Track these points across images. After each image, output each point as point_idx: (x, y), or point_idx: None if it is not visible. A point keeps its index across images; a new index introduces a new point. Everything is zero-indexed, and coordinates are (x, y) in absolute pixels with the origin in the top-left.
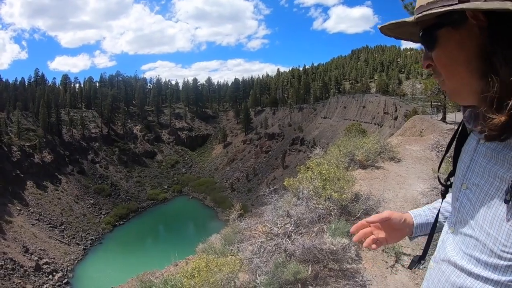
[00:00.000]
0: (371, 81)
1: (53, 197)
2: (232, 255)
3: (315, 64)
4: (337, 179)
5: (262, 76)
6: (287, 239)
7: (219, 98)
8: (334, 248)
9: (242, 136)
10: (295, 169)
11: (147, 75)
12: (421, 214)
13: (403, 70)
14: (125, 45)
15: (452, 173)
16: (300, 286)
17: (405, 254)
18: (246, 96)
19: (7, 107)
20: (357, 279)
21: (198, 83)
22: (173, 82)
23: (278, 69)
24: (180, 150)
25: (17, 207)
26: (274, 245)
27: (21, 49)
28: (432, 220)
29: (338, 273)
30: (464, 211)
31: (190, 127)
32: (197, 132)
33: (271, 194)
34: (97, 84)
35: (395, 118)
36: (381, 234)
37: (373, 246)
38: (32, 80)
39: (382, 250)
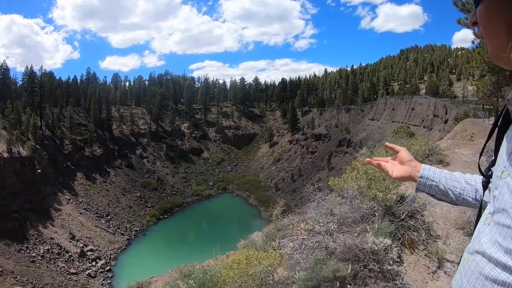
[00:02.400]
0: (420, 82)
1: (101, 188)
2: (273, 250)
3: (363, 64)
4: (383, 179)
5: (310, 76)
6: (329, 237)
7: (266, 97)
8: (376, 248)
9: (289, 136)
10: (341, 171)
11: (195, 74)
12: (432, 171)
13: (454, 71)
14: (173, 45)
15: (493, 162)
16: (338, 284)
17: (448, 261)
18: (293, 96)
19: (60, 103)
20: (397, 282)
21: (246, 83)
22: (221, 81)
23: (326, 69)
24: (226, 148)
25: (67, 197)
26: (315, 242)
27: (73, 49)
28: (444, 186)
29: (378, 274)
30: (503, 200)
31: (237, 126)
32: (244, 131)
33: (315, 191)
34: (147, 83)
35: (445, 121)
36: (388, 166)
37: (374, 162)
38: (84, 78)
39: (425, 255)
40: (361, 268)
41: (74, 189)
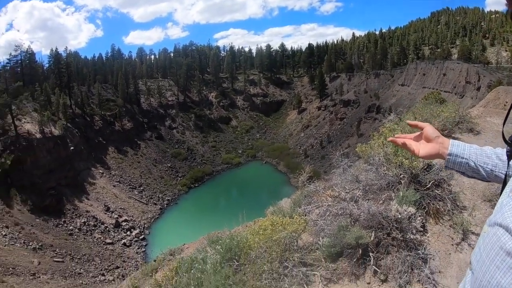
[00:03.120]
0: (452, 47)
1: (133, 161)
2: (298, 216)
3: (392, 28)
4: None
5: (337, 40)
6: (354, 204)
7: (293, 64)
8: (400, 216)
9: (317, 103)
10: (370, 137)
11: (220, 43)
12: (461, 147)
13: (487, 35)
14: (196, 15)
15: None
16: (361, 251)
17: (473, 233)
18: (321, 62)
19: (88, 81)
20: (419, 252)
21: (272, 49)
22: (246, 49)
23: (353, 33)
24: (254, 116)
25: (100, 171)
26: (340, 209)
27: (96, 28)
28: (475, 162)
29: (400, 242)
30: None
31: (265, 93)
32: (272, 98)
33: (341, 158)
34: (172, 55)
35: (478, 89)
36: (414, 144)
37: (399, 140)
38: (109, 55)
39: (450, 226)
40: (384, 236)
41: (107, 163)
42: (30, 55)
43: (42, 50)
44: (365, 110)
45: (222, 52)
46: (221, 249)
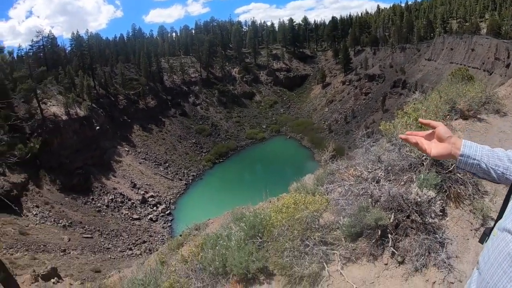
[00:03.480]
0: (481, 21)
1: (158, 138)
2: (320, 195)
3: (419, 0)
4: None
5: (361, 13)
6: (375, 184)
7: (317, 37)
8: (419, 200)
9: (341, 77)
10: (395, 114)
11: (242, 18)
12: (473, 148)
13: None
14: None
15: None
16: (380, 232)
17: (493, 219)
18: (345, 35)
19: (110, 62)
20: (437, 236)
21: (294, 23)
22: (269, 24)
23: (378, 5)
24: (278, 91)
25: (126, 149)
26: (361, 189)
27: (115, 9)
28: (486, 164)
29: (419, 225)
30: None
31: (288, 68)
32: (295, 72)
33: (363, 137)
34: (193, 31)
35: (507, 66)
36: (426, 143)
37: (411, 138)
38: (130, 35)
39: (470, 211)
40: (404, 219)
41: (132, 141)
42: (51, 40)
43: (63, 34)
44: (390, 85)
45: (244, 27)
46: (245, 227)
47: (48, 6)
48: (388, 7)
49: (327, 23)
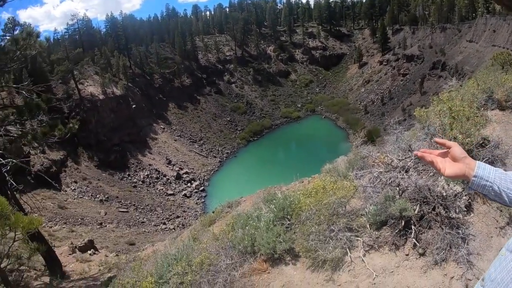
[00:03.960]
0: None
1: (193, 115)
2: (350, 181)
3: None
4: (466, 118)
5: None
6: (404, 174)
7: (354, 15)
8: (445, 194)
9: (379, 57)
10: (434, 96)
11: None
12: (487, 170)
13: None
14: None
15: None
16: (403, 223)
17: None
18: (383, 13)
19: (145, 42)
20: (460, 231)
21: (331, 1)
22: (304, 1)
23: None
24: (314, 70)
25: (161, 126)
26: (389, 178)
27: None
28: (499, 187)
29: (444, 219)
30: None
31: (324, 46)
32: (331, 51)
33: (395, 125)
34: (227, 10)
35: None
36: (440, 162)
37: (427, 157)
38: (164, 14)
39: (497, 208)
40: (429, 211)
41: (168, 118)
42: (86, 22)
43: (98, 16)
44: (429, 66)
45: (279, 5)
46: (274, 208)
47: None
48: None
49: (364, 1)
